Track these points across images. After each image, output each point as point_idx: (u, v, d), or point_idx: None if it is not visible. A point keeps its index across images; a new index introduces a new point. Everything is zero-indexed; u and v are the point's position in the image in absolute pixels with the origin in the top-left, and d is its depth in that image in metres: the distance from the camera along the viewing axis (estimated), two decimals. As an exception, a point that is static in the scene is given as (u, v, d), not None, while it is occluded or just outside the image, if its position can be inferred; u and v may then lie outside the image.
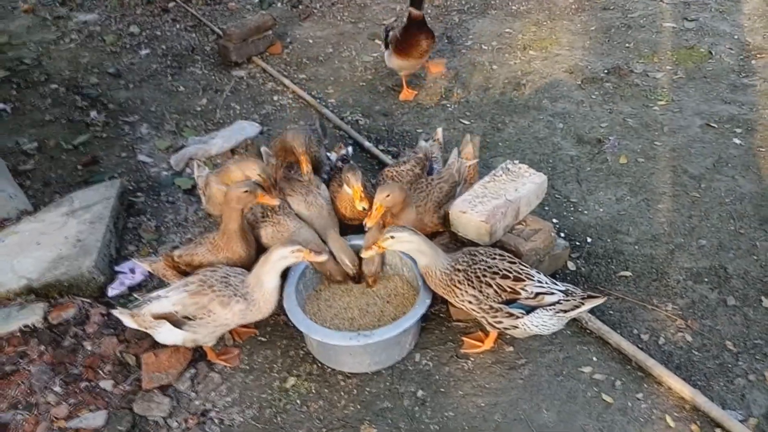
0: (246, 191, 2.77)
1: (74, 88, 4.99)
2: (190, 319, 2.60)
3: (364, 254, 2.79)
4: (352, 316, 2.99)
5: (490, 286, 2.58)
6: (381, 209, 2.92)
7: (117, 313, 2.69)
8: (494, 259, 2.66)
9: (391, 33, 4.49)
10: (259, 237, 3.04)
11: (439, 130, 3.68)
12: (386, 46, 4.57)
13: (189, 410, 2.71)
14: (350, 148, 3.71)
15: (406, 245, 2.66)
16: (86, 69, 5.25)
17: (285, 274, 2.97)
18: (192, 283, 2.65)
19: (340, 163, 3.51)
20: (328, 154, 3.64)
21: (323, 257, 2.69)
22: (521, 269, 2.62)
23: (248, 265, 2.88)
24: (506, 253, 2.73)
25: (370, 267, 2.99)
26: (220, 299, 2.59)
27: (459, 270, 2.65)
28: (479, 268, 2.62)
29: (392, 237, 2.64)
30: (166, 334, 2.65)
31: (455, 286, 2.64)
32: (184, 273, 2.86)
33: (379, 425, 2.62)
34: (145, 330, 2.68)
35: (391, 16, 5.83)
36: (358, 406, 2.70)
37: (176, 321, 2.60)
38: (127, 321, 2.68)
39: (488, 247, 2.77)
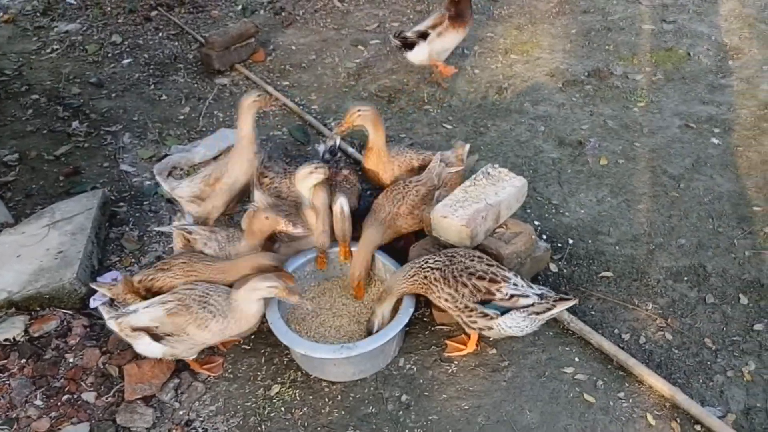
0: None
1: (56, 99, 4.96)
2: (168, 335, 2.60)
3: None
4: (339, 324, 2.99)
5: (466, 285, 2.63)
6: (350, 123, 3.20)
7: (104, 312, 2.67)
8: (472, 260, 2.71)
9: (410, 34, 4.60)
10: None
11: (465, 147, 3.45)
12: (410, 47, 4.63)
13: (173, 420, 2.70)
14: (338, 138, 3.63)
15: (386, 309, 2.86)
16: (68, 79, 5.22)
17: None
18: (170, 301, 2.63)
19: (328, 155, 3.49)
20: (319, 147, 3.64)
21: (294, 299, 2.67)
22: (498, 271, 2.66)
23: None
24: (485, 256, 2.77)
25: (355, 272, 3.00)
26: (197, 322, 2.59)
27: (435, 268, 2.70)
28: (456, 269, 2.68)
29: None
30: (145, 347, 2.66)
31: (431, 283, 2.70)
32: (144, 297, 2.83)
33: (363, 430, 2.63)
34: (125, 338, 2.68)
35: (374, 23, 5.85)
36: (343, 412, 2.70)
37: (155, 334, 2.61)
38: (111, 324, 2.66)
39: (468, 249, 2.81)
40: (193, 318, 2.59)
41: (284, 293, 2.63)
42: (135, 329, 2.61)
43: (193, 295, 2.64)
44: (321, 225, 3.05)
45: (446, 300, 2.69)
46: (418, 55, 4.67)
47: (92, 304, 3.15)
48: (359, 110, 3.26)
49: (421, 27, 4.64)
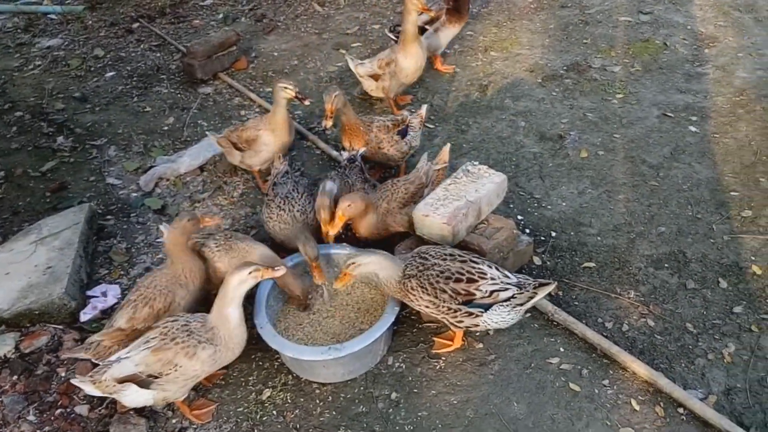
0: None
1: (40, 115, 4.98)
2: (156, 377, 2.47)
3: (336, 285, 2.78)
4: (329, 325, 3.02)
5: (445, 291, 2.65)
6: (343, 219, 3.00)
7: (77, 382, 2.52)
8: (445, 260, 2.71)
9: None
10: (217, 270, 2.97)
11: (424, 108, 3.98)
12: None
13: (166, 429, 2.73)
14: (361, 150, 3.68)
15: (370, 267, 2.73)
16: (51, 94, 5.24)
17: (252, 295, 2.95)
18: (153, 338, 2.51)
19: (346, 163, 3.54)
20: (343, 154, 3.74)
21: (281, 271, 2.63)
22: (473, 267, 2.68)
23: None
24: (456, 251, 2.78)
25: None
26: (185, 350, 2.47)
27: (411, 276, 2.71)
28: (431, 274, 2.67)
29: (354, 264, 2.71)
30: (133, 397, 2.49)
31: (408, 291, 2.71)
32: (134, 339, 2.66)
33: (354, 430, 2.67)
34: (109, 396, 2.53)
35: (355, 26, 5.89)
36: (334, 413, 2.74)
37: (142, 381, 2.47)
38: (89, 389, 2.50)
39: (439, 247, 2.83)
40: (180, 347, 2.47)
41: (268, 272, 2.56)
42: (121, 381, 2.44)
43: (176, 326, 2.53)
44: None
45: (427, 306, 2.70)
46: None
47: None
48: (335, 95, 3.55)
49: (419, 22, 4.70)
